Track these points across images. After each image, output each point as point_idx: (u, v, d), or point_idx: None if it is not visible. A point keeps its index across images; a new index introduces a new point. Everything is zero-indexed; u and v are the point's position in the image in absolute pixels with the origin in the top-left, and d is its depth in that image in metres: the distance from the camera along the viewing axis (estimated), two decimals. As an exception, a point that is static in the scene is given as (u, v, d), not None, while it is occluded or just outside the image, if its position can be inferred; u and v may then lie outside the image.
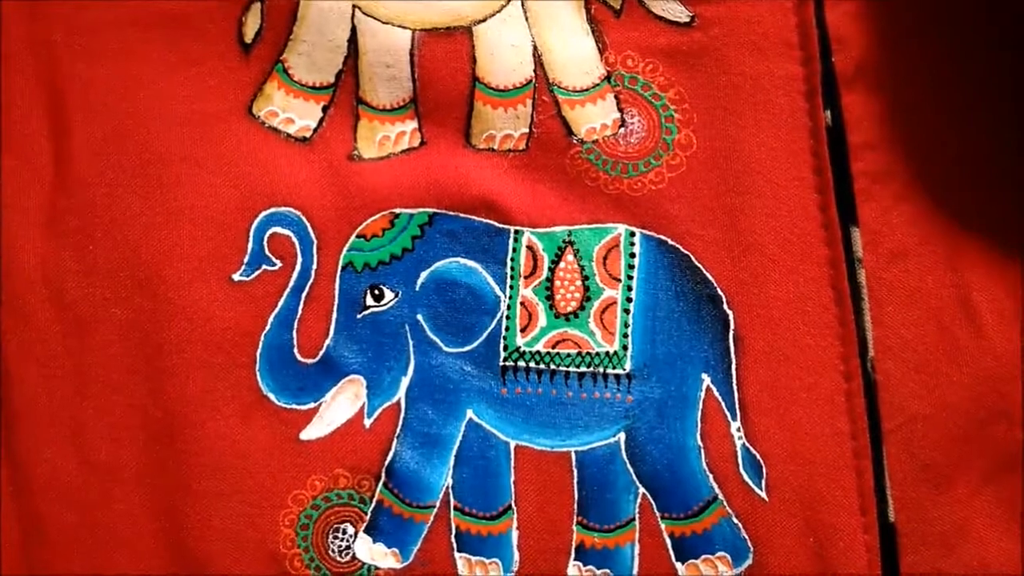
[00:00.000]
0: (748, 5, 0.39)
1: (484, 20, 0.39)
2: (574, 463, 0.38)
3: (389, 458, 0.38)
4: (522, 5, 0.40)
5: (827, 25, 0.39)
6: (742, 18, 0.39)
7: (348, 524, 0.38)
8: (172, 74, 0.39)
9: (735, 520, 0.37)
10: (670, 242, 0.39)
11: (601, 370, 0.38)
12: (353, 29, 0.39)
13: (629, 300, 0.39)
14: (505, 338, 0.39)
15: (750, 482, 0.37)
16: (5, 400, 0.38)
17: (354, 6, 0.39)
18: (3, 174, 0.39)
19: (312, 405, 0.39)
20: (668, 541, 0.38)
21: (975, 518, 0.38)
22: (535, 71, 0.39)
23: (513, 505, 0.38)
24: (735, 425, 0.38)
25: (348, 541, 0.38)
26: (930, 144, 0.39)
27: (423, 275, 0.39)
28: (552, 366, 0.39)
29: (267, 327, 0.38)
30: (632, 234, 0.39)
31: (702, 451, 0.38)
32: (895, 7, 0.39)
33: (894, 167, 0.39)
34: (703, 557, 0.37)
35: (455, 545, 0.38)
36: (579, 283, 0.39)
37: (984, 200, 0.39)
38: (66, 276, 0.38)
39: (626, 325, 0.39)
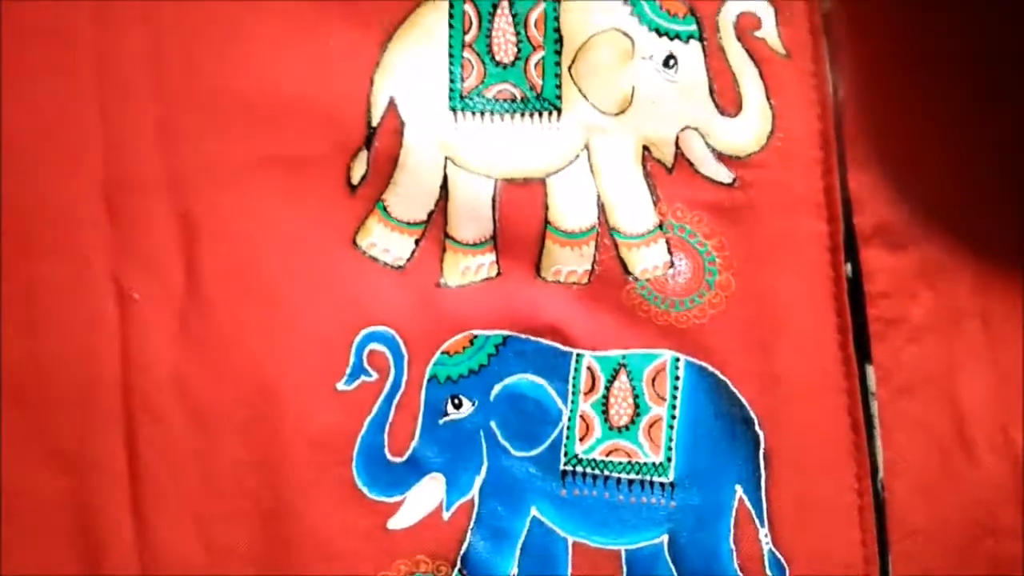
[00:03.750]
0: (782, 171, 0.43)
1: (556, 173, 0.43)
2: (624, 560, 0.42)
3: (464, 547, 0.42)
4: (588, 161, 0.43)
5: (849, 190, 0.43)
6: (776, 182, 0.43)
7: (428, 604, 0.42)
8: (289, 209, 0.42)
9: (761, 615, 0.42)
10: (710, 368, 0.43)
11: (648, 478, 0.42)
12: (444, 177, 0.43)
13: (673, 417, 0.43)
14: (566, 445, 0.43)
15: (775, 582, 0.42)
16: (137, 494, 0.41)
17: (446, 158, 0.43)
18: (141, 292, 0.41)
19: (399, 498, 0.42)
20: (706, 633, 0.42)
21: (969, 621, 0.42)
22: (598, 217, 0.43)
23: (569, 596, 0.42)
24: (763, 531, 0.42)
25: (427, 620, 0.42)
26: (938, 295, 0.43)
27: (496, 388, 0.43)
28: (606, 472, 0.42)
29: (363, 430, 0.42)
30: (677, 360, 0.43)
31: (734, 553, 0.42)
32: (910, 177, 0.43)
33: (905, 314, 0.43)
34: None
35: None
36: (631, 400, 0.43)
37: (979, 345, 0.43)
38: (195, 383, 0.41)
39: (670, 439, 0.43)
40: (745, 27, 0.43)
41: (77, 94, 0.42)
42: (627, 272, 0.43)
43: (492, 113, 0.43)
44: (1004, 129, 0.44)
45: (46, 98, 0.42)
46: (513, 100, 0.43)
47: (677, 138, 0.43)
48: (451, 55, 0.43)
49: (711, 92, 0.43)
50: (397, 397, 0.42)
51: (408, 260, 0.43)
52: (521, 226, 0.43)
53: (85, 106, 0.42)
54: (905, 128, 0.43)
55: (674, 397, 0.43)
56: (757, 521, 0.42)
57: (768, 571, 0.42)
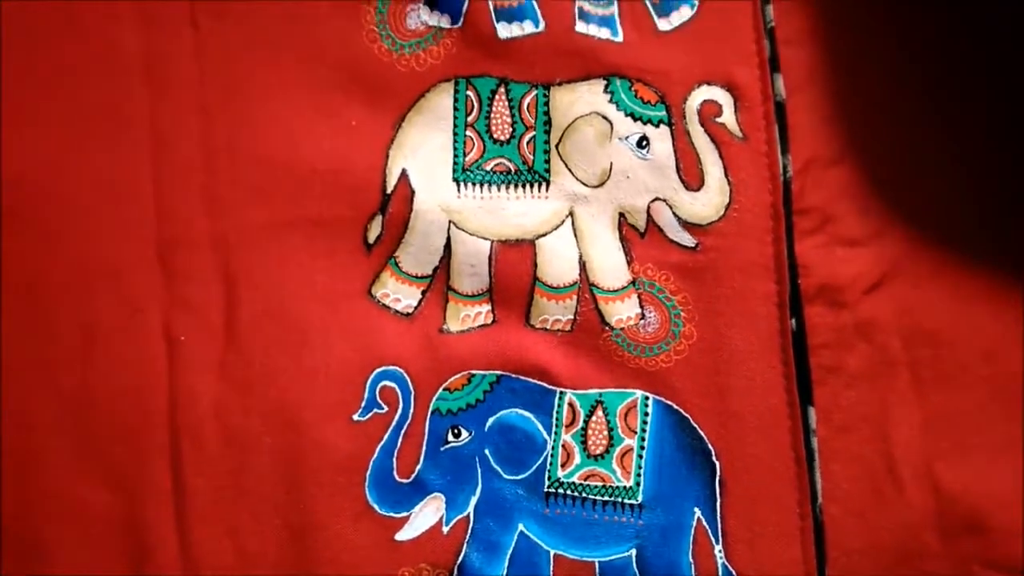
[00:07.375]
0: (737, 238, 0.46)
1: (544, 235, 0.47)
2: (597, 571, 0.45)
3: (460, 558, 0.45)
4: (572, 226, 0.47)
5: (796, 256, 0.46)
6: (733, 247, 0.46)
7: (428, 606, 0.44)
8: (315, 264, 0.46)
9: (715, 620, 0.44)
10: (674, 406, 0.46)
11: (620, 500, 0.45)
12: (448, 238, 0.47)
13: (642, 448, 0.45)
14: (549, 471, 0.45)
15: (727, 593, 0.44)
16: (180, 509, 0.45)
17: (450, 221, 0.47)
18: (187, 336, 0.45)
19: (405, 514, 0.45)
20: (668, 636, 0.44)
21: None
22: (580, 275, 0.47)
23: (550, 601, 0.45)
24: (718, 548, 0.45)
25: (427, 621, 0.44)
26: (873, 347, 0.46)
27: (490, 420, 0.46)
28: (583, 494, 0.45)
29: (375, 455, 0.45)
30: (647, 398, 0.46)
31: (693, 567, 0.44)
32: (850, 248, 0.46)
33: (843, 363, 0.46)
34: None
35: None
36: (606, 433, 0.46)
37: (907, 391, 0.46)
38: (232, 413, 0.45)
39: (639, 467, 0.45)
40: (708, 114, 0.47)
41: (134, 166, 0.46)
42: (604, 322, 0.46)
43: (490, 184, 0.47)
44: (938, 197, 0.47)
45: (106, 169, 0.46)
46: (508, 172, 0.47)
47: (648, 207, 0.47)
48: (455, 133, 0.47)
49: (677, 169, 0.47)
50: (405, 427, 0.46)
51: (416, 309, 0.46)
52: (513, 281, 0.47)
53: (141, 176, 0.46)
54: (847, 203, 0.47)
55: (643, 430, 0.46)
56: (713, 539, 0.45)
57: (721, 583, 0.45)
